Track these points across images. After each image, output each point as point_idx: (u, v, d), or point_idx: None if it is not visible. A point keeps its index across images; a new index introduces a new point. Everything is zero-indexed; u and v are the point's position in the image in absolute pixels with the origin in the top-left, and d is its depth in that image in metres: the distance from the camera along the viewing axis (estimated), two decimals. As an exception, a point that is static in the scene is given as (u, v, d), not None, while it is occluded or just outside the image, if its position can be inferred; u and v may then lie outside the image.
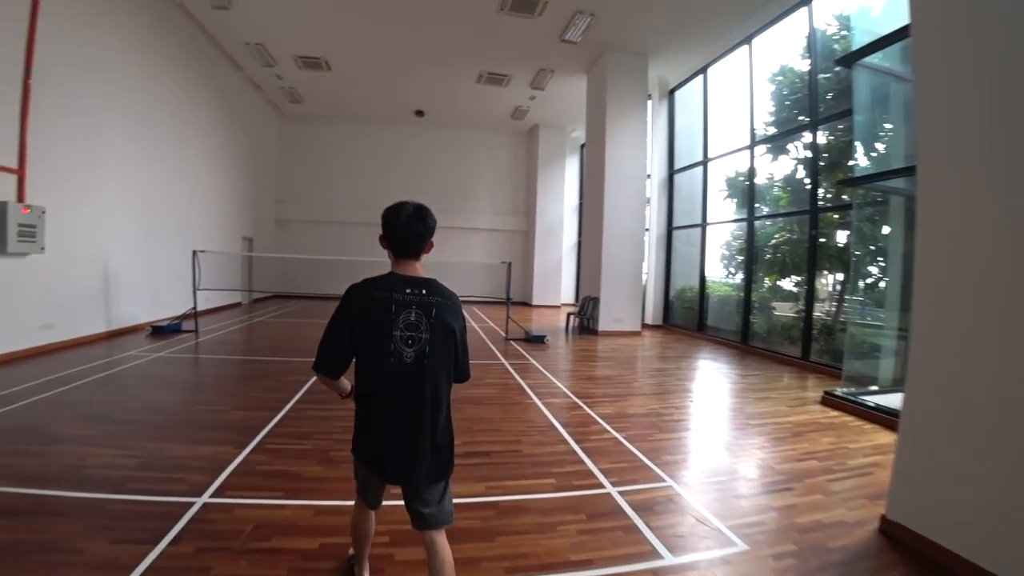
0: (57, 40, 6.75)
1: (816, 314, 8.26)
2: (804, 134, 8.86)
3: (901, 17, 5.59)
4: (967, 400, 2.51)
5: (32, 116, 6.38)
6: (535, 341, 9.55)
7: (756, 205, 9.89)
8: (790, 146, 9.45)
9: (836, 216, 8.36)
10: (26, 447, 3.61)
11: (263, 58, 12.16)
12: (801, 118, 8.90)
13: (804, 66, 8.93)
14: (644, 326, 12.07)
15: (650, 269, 12.91)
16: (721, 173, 11.39)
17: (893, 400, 5.20)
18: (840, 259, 8.31)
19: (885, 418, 4.94)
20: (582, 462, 3.73)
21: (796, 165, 9.38)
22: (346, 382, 1.95)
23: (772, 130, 9.78)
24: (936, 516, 2.60)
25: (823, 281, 8.73)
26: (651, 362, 8.31)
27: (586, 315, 11.51)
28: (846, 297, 8.18)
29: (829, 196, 8.38)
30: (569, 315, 12.29)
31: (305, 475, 3.30)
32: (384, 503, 2.60)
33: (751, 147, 9.95)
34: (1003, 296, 2.37)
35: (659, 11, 9.40)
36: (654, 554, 2.55)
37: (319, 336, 1.84)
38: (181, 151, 10.61)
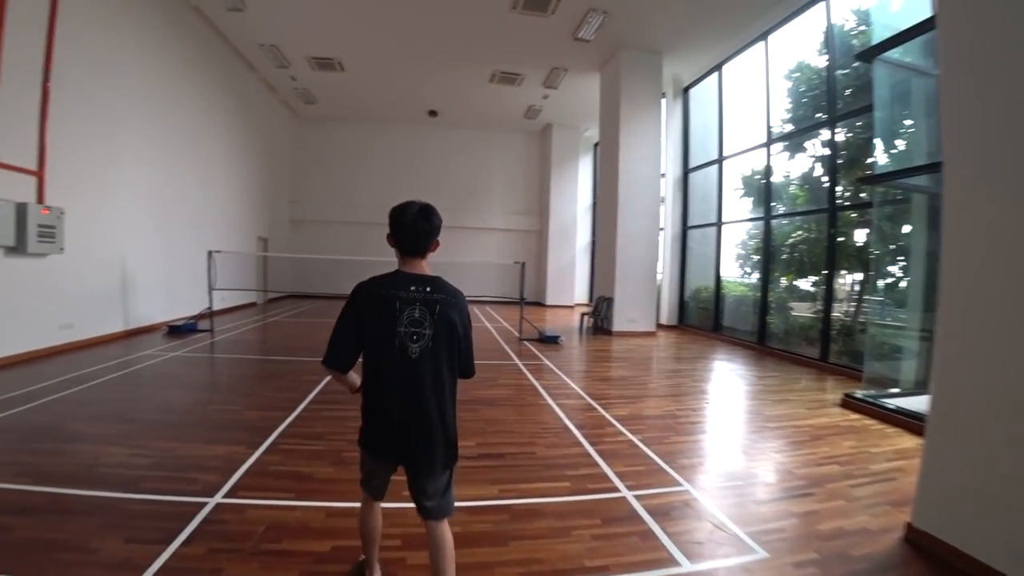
0: (75, 44, 6.84)
1: (835, 314, 8.11)
2: (822, 131, 8.70)
3: (923, 10, 5.49)
4: (999, 403, 2.41)
5: (51, 119, 6.48)
6: (549, 341, 9.50)
7: (773, 204, 9.74)
8: (807, 144, 9.28)
9: (854, 215, 8.20)
10: (44, 445, 3.65)
11: (277, 59, 12.25)
12: (819, 115, 8.74)
13: (822, 62, 8.77)
14: (659, 326, 11.96)
15: (665, 269, 12.77)
16: (737, 171, 11.24)
17: (916, 403, 5.07)
18: (859, 258, 8.15)
19: (908, 421, 4.81)
20: (597, 465, 3.68)
21: (814, 163, 9.22)
22: (356, 376, 2.01)
23: (789, 127, 9.63)
24: (966, 525, 2.50)
25: (841, 281, 8.56)
26: (666, 363, 8.22)
27: (600, 315, 11.44)
28: (865, 297, 8.02)
29: (848, 194, 8.22)
30: (583, 315, 12.22)
31: (318, 476, 3.29)
32: (394, 505, 2.61)
33: (767, 145, 9.80)
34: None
35: (674, 8, 9.30)
36: (671, 561, 2.49)
37: None
38: (197, 152, 10.73)
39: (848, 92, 8.19)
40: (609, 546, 2.60)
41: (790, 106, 9.69)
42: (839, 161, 8.27)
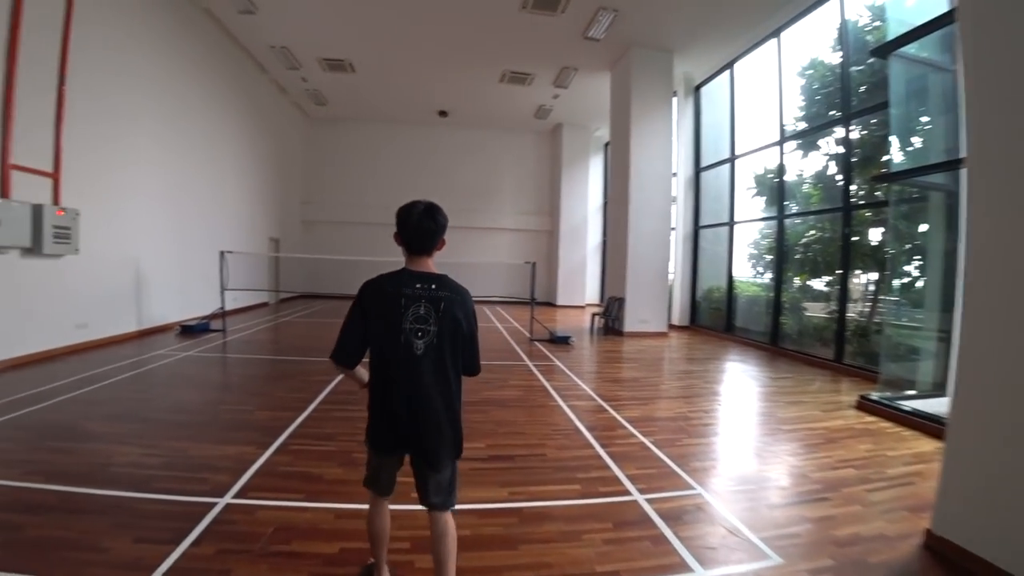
0: (89, 47, 6.92)
1: (849, 315, 7.99)
2: (836, 129, 8.58)
3: (940, 4, 5.38)
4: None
5: (66, 121, 6.56)
6: (560, 342, 9.45)
7: (786, 203, 9.62)
8: (821, 142, 9.16)
9: (869, 213, 8.07)
10: (58, 444, 3.69)
11: (288, 61, 12.33)
12: (832, 113, 8.62)
13: (835, 59, 8.65)
14: (670, 327, 11.86)
15: (676, 269, 12.67)
16: (749, 170, 11.12)
17: (934, 405, 4.98)
18: (874, 258, 8.03)
19: (926, 424, 4.71)
20: (608, 467, 3.64)
21: (827, 161, 9.09)
22: (364, 372, 2.05)
23: (802, 125, 9.51)
24: (989, 533, 2.43)
25: (856, 281, 8.44)
26: (678, 364, 8.14)
27: (611, 316, 11.37)
28: (881, 297, 7.89)
29: (862, 193, 8.10)
30: (594, 316, 12.16)
31: (327, 477, 3.28)
32: (403, 507, 2.59)
33: (780, 143, 9.68)
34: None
35: (684, 6, 9.22)
36: (683, 566, 2.44)
37: None
38: (210, 153, 10.82)
39: (862, 89, 8.07)
40: (620, 551, 2.56)
41: (803, 104, 9.57)
42: (853, 159, 8.14)
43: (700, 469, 3.69)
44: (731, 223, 11.45)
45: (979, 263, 2.61)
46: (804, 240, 9.47)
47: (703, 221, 12.59)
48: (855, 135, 8.15)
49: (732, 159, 11.46)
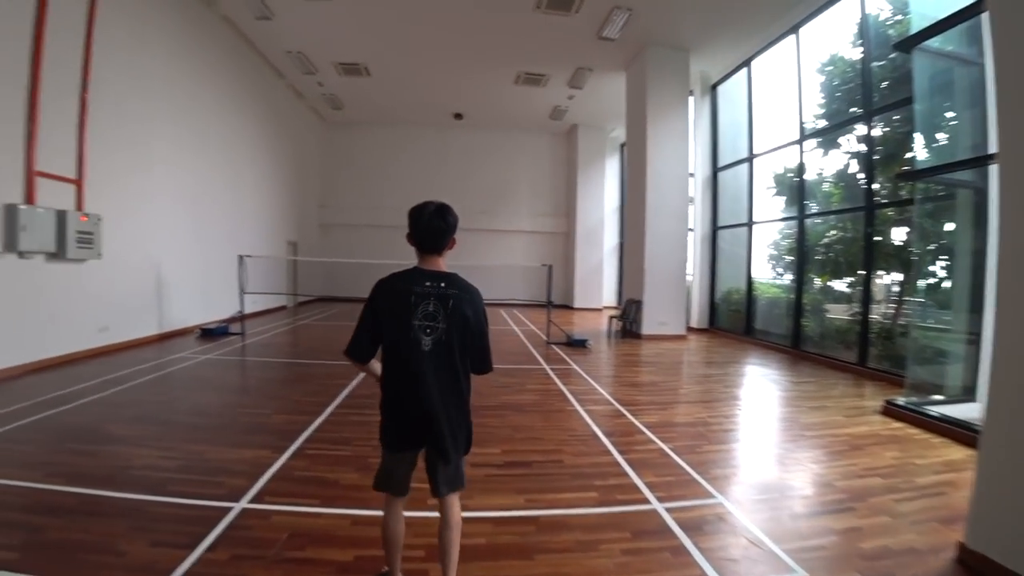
0: (110, 54, 7.04)
1: (873, 317, 7.79)
2: (857, 126, 8.38)
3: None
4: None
5: (88, 128, 6.68)
6: (577, 345, 9.38)
7: (806, 202, 9.43)
8: (842, 139, 8.96)
9: (892, 212, 7.87)
10: (79, 446, 3.74)
11: (304, 66, 12.45)
12: (853, 110, 8.43)
13: (856, 54, 8.46)
14: (689, 330, 11.70)
15: (695, 270, 12.50)
16: (768, 170, 10.92)
17: (964, 411, 4.82)
18: (898, 258, 7.82)
19: (956, 431, 4.55)
20: (626, 474, 3.57)
21: (849, 159, 8.90)
22: (378, 365, 2.08)
23: (822, 123, 9.32)
24: (1027, 547, 2.32)
25: (879, 281, 8.23)
26: (697, 367, 8.03)
27: (629, 318, 11.27)
28: (906, 298, 7.68)
29: (885, 191, 7.90)
30: (611, 318, 12.05)
31: (343, 482, 3.27)
32: (418, 514, 2.57)
33: (800, 142, 9.49)
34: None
35: (700, 3, 9.12)
36: (704, 578, 2.38)
37: None
38: (228, 158, 10.96)
39: (884, 85, 7.87)
40: (639, 561, 2.50)
41: (823, 101, 9.39)
42: (876, 157, 7.94)
43: (721, 477, 3.60)
44: (750, 223, 11.27)
45: (1013, 261, 2.50)
46: (825, 240, 9.28)
47: (721, 222, 12.42)
48: (877, 132, 7.94)
49: (750, 158, 11.28)
